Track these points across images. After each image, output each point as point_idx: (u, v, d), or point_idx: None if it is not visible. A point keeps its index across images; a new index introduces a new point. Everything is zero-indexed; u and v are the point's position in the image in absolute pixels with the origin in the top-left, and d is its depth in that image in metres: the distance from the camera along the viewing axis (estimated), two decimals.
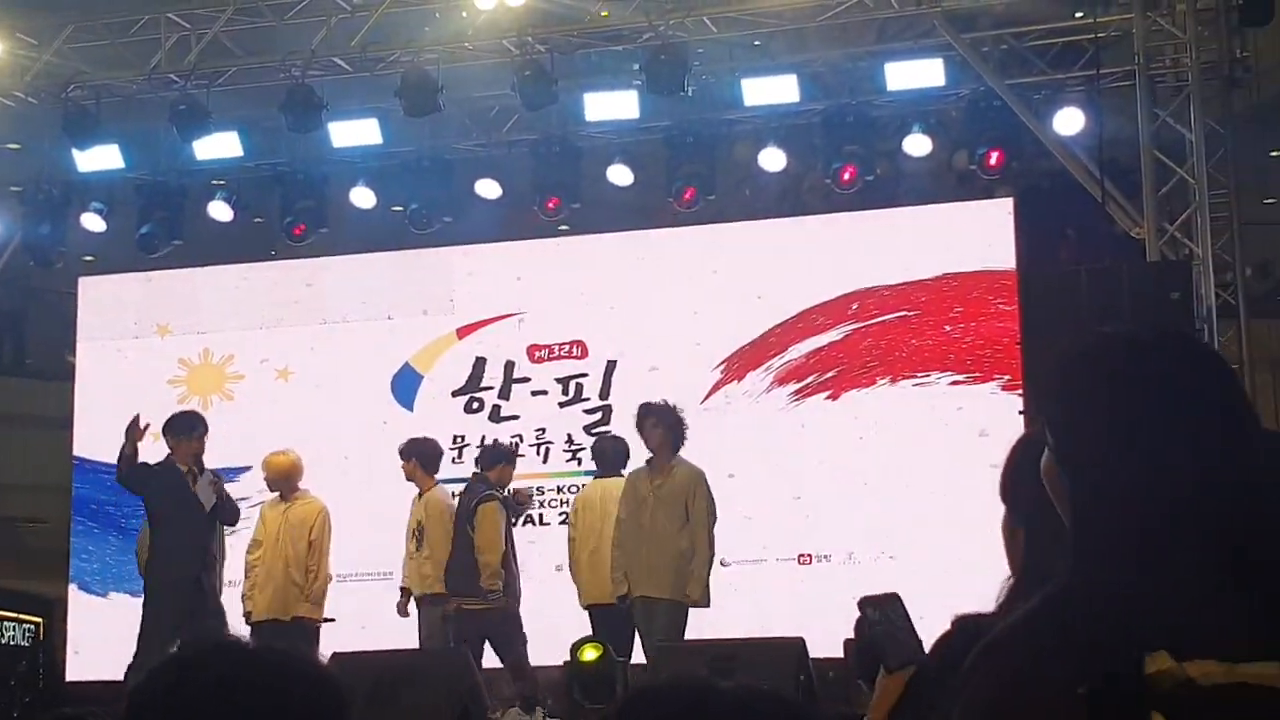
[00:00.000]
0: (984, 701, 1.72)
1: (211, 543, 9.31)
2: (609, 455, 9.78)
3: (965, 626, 2.37)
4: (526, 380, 11.89)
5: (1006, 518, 2.39)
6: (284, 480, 9.82)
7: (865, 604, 2.54)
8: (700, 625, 9.27)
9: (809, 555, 11.19)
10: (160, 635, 8.76)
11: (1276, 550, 1.71)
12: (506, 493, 9.55)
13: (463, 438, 11.62)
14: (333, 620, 9.74)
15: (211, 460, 11.98)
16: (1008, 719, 1.69)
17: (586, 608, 9.41)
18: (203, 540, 9.17)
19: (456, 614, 9.23)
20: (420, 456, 9.72)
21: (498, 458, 9.78)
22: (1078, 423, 1.80)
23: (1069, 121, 11.07)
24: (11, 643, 15.51)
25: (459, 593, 9.23)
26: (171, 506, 9.19)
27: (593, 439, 11.22)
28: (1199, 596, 1.68)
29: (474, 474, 9.80)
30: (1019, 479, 2.38)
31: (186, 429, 9.51)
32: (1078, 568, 1.75)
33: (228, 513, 9.50)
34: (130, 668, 8.61)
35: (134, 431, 9.34)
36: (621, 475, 9.48)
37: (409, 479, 9.72)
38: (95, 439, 12.50)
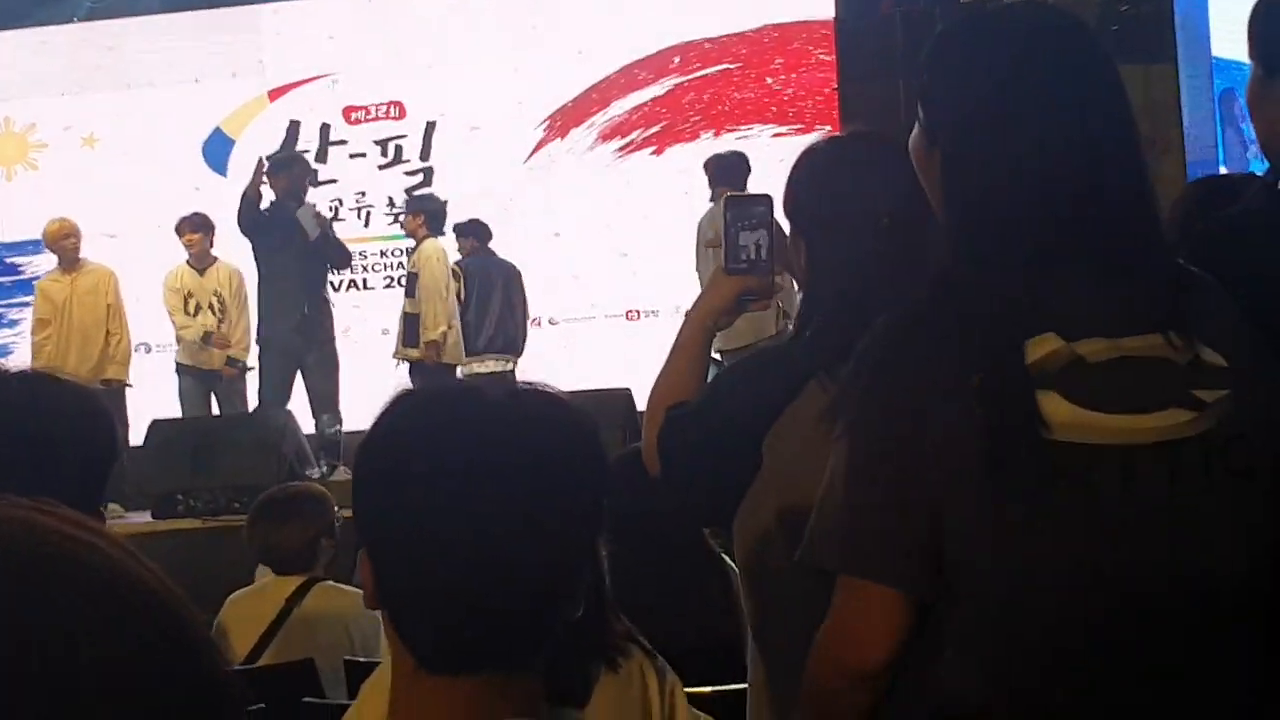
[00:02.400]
0: (877, 398, 1.73)
1: (322, 280, 9.28)
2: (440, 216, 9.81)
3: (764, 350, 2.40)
4: (344, 143, 11.62)
5: (791, 232, 2.37)
6: (64, 247, 9.56)
7: (729, 201, 2.39)
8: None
9: (636, 311, 11.26)
10: (274, 383, 8.90)
11: (1143, 225, 1.77)
12: None
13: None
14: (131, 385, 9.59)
15: (18, 232, 11.65)
16: (899, 413, 1.70)
17: None
18: (311, 271, 9.14)
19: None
20: None
21: None
22: (949, 99, 1.84)
23: None
24: None
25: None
26: (279, 244, 9.06)
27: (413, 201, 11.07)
28: (1080, 281, 1.72)
29: None
30: (801, 189, 2.37)
31: (286, 164, 9.53)
32: (958, 257, 1.77)
33: (334, 251, 9.36)
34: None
35: (258, 173, 9.26)
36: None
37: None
38: None
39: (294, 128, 11.69)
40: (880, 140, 2.42)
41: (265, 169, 9.29)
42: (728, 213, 2.36)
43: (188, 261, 9.71)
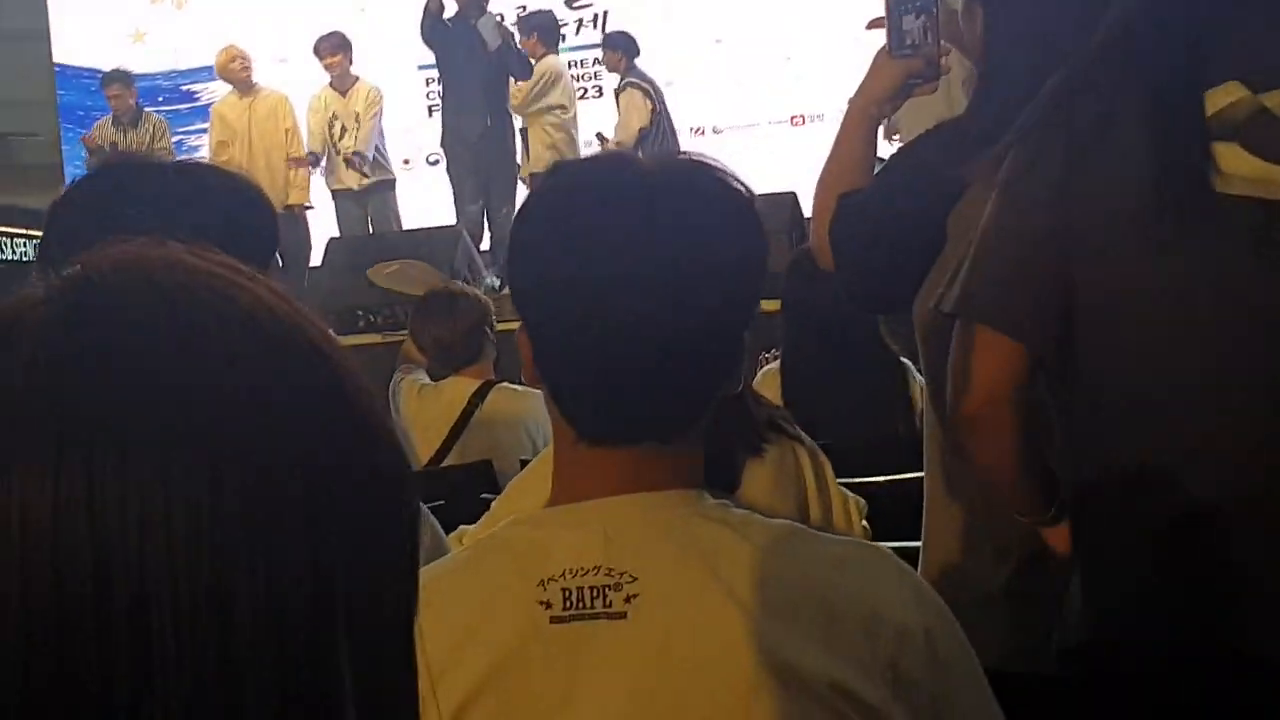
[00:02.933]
0: (1031, 155, 1.69)
1: (504, 90, 9.24)
2: None
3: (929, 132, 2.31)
4: None
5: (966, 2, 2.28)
6: (234, 71, 9.73)
7: None
8: None
9: (801, 116, 11.12)
10: (461, 190, 9.01)
11: None
12: None
13: None
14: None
15: (191, 60, 11.87)
16: (1051, 170, 1.66)
17: None
18: (493, 81, 9.15)
19: None
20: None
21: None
22: None
23: None
24: (24, 259, 15.77)
25: None
26: (461, 55, 9.13)
27: (574, 13, 11.02)
28: (1270, 33, 1.65)
29: None
30: None
31: None
32: (1141, 6, 1.70)
33: (515, 61, 9.30)
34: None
35: None
36: None
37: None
38: (74, 45, 12.31)
39: None
40: None
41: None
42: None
43: (330, 84, 9.77)
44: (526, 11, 10.36)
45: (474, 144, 9.02)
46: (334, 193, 9.82)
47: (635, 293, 1.28)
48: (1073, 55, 1.74)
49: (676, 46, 10.91)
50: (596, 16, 11.44)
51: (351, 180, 9.67)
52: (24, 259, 15.79)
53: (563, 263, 1.32)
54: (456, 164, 9.21)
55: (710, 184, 1.35)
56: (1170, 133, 1.61)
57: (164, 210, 1.67)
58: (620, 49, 9.49)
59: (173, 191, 1.70)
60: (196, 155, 10.63)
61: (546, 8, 10.76)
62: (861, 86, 2.28)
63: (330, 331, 0.73)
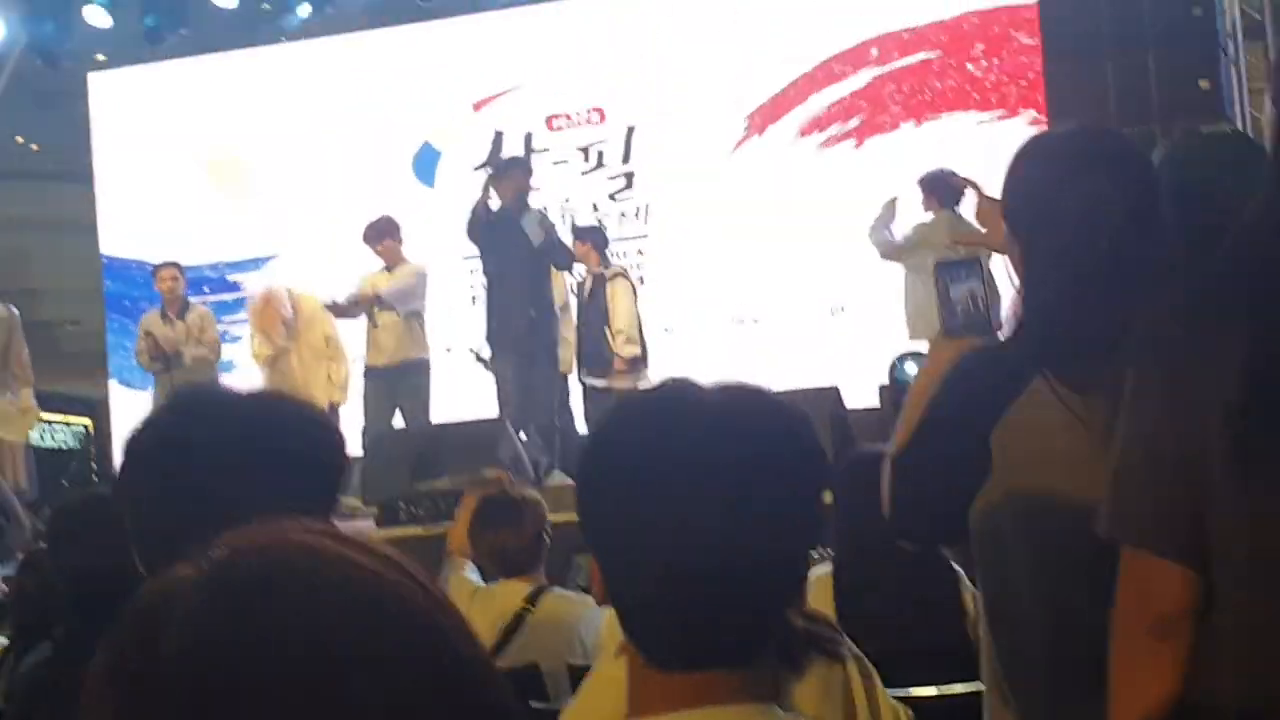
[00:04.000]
0: (1158, 375, 1.69)
1: (547, 284, 9.25)
2: None
3: (973, 355, 2.34)
4: (546, 150, 11.78)
5: (1008, 231, 2.34)
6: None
7: (939, 267, 2.38)
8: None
9: (840, 306, 11.18)
10: (505, 388, 8.98)
11: None
12: None
13: None
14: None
15: (234, 251, 12.07)
16: (1179, 390, 1.65)
17: None
18: (536, 276, 9.14)
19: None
20: None
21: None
22: None
23: None
24: (63, 446, 15.85)
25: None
26: (506, 251, 9.11)
27: (617, 205, 11.20)
28: None
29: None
30: (1021, 188, 2.33)
31: (506, 169, 9.53)
32: (1267, 226, 1.70)
33: (558, 254, 9.31)
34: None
35: (485, 188, 9.24)
36: None
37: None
38: (121, 237, 12.55)
39: (498, 138, 11.89)
40: (1103, 134, 2.36)
41: (488, 179, 9.38)
42: (938, 278, 2.36)
43: (384, 268, 9.83)
44: (575, 224, 10.48)
45: (519, 338, 9.01)
46: (366, 369, 9.77)
47: (700, 521, 1.33)
48: (1121, 302, 1.75)
49: (719, 238, 11.04)
50: (638, 209, 11.61)
51: (383, 356, 9.66)
52: (64, 446, 15.88)
53: (629, 492, 1.37)
54: (501, 357, 9.19)
55: (770, 415, 1.41)
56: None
57: (239, 434, 1.68)
58: (590, 241, 9.59)
59: (246, 417, 1.72)
60: (236, 344, 10.75)
61: (595, 216, 10.97)
62: (923, 370, 2.41)
63: (459, 613, 0.79)
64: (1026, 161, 2.33)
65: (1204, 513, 1.63)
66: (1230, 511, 1.62)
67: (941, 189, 9.21)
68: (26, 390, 9.46)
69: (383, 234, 9.76)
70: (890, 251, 9.50)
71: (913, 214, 9.47)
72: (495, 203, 9.19)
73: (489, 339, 9.28)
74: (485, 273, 9.43)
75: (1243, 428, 1.58)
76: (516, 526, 4.23)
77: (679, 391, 1.48)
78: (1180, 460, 1.64)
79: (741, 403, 1.41)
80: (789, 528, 1.37)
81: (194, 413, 1.73)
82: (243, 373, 10.85)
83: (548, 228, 9.23)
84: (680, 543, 1.33)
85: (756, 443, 1.37)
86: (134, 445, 1.72)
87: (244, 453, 1.66)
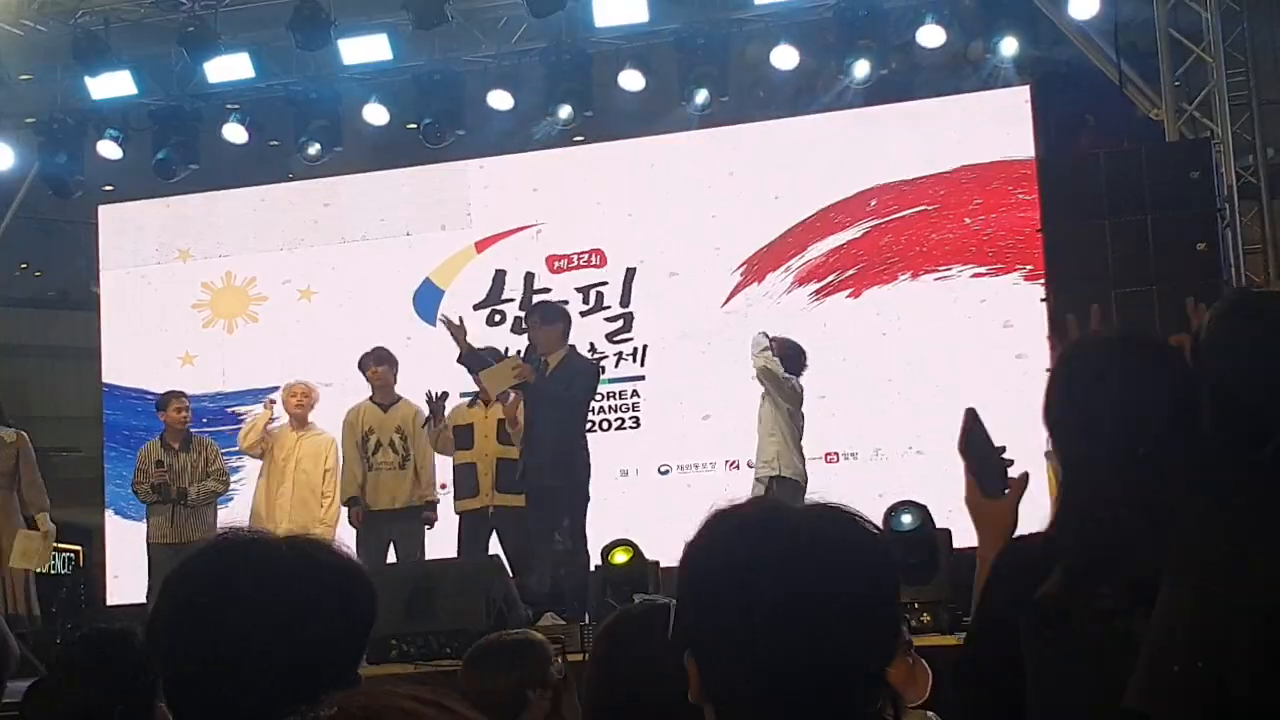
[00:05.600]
0: (1191, 561, 1.79)
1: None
2: None
3: (1015, 549, 2.41)
4: (547, 290, 11.90)
5: (1050, 439, 2.42)
6: (296, 409, 10.00)
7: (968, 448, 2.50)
8: None
9: (835, 454, 11.23)
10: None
11: None
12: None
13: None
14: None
15: (237, 382, 12.15)
16: (1209, 576, 1.75)
17: None
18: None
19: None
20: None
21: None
22: None
23: (1084, 6, 10.92)
24: (52, 571, 15.75)
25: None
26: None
27: (614, 346, 11.30)
28: None
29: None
30: (1059, 401, 2.39)
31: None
32: None
33: None
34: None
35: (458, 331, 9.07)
36: None
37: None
38: (123, 366, 12.63)
39: (499, 277, 12.04)
40: (1141, 347, 2.40)
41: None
42: (966, 453, 2.47)
43: (371, 398, 9.85)
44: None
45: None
46: (367, 513, 9.74)
47: (800, 625, 1.50)
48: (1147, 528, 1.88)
49: (713, 383, 11.11)
50: (636, 350, 11.71)
51: (385, 501, 9.68)
52: (50, 571, 15.76)
53: (735, 601, 1.52)
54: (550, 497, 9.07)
55: (851, 526, 1.58)
56: None
57: (277, 583, 1.71)
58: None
59: (285, 565, 1.74)
60: (237, 478, 10.77)
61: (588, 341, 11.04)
62: (981, 539, 2.49)
63: None
64: (1063, 370, 2.40)
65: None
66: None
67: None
68: (43, 516, 9.53)
69: (380, 361, 9.86)
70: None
71: None
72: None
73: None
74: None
75: None
76: (496, 673, 4.17)
77: (771, 504, 1.66)
78: (1205, 650, 1.71)
79: (827, 523, 1.58)
80: (871, 637, 1.54)
81: (235, 560, 1.75)
82: (240, 504, 10.86)
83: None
84: (781, 641, 1.49)
85: (841, 559, 1.54)
86: (172, 587, 1.75)
87: (283, 603, 1.69)
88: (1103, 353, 2.43)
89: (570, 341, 9.06)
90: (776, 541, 1.55)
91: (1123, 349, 2.42)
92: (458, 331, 9.00)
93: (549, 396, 8.66)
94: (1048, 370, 2.44)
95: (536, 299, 11.79)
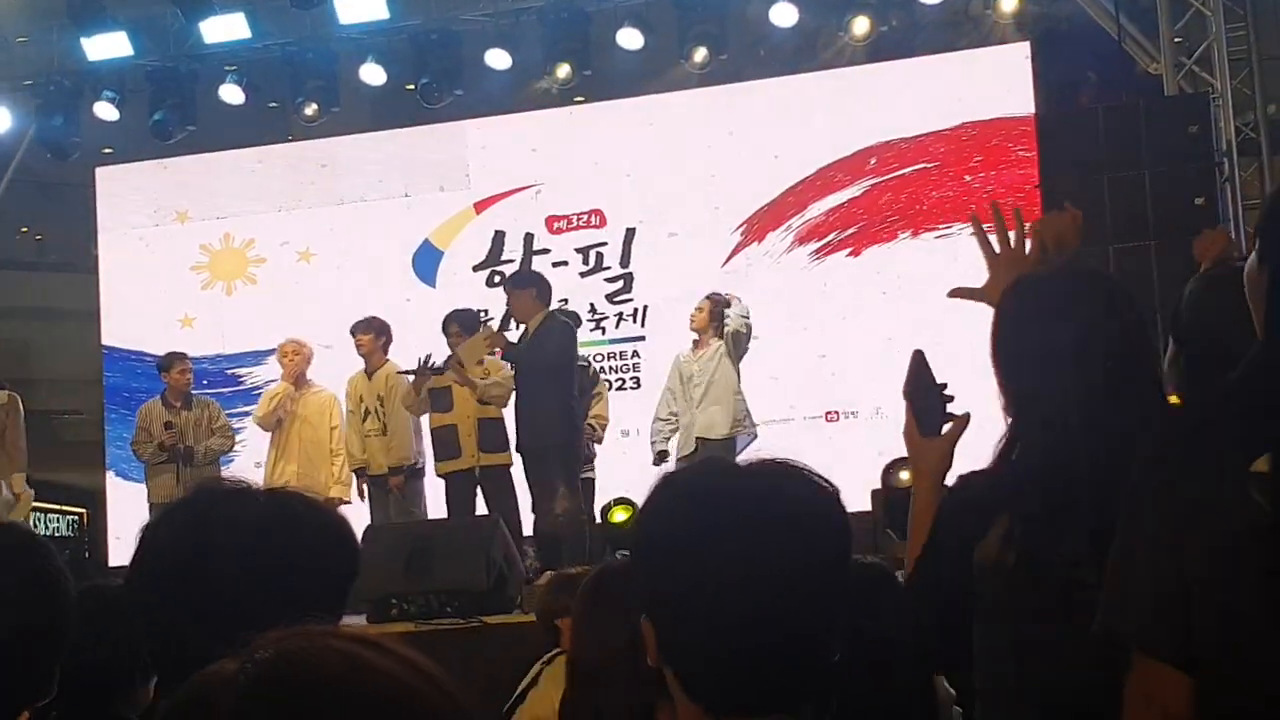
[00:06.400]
0: (1155, 484, 1.78)
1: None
2: None
3: (964, 485, 2.44)
4: (546, 251, 11.89)
5: (995, 368, 2.44)
6: (294, 366, 10.00)
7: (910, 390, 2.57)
8: None
9: (836, 412, 11.24)
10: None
11: None
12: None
13: (486, 311, 11.65)
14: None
15: (236, 344, 12.14)
16: (1175, 500, 1.74)
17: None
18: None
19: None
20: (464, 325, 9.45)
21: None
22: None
23: None
24: (56, 534, 15.81)
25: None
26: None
27: (615, 307, 11.30)
28: None
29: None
30: (1007, 329, 2.43)
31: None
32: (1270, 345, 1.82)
33: None
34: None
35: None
36: None
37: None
38: (123, 328, 12.62)
39: (499, 238, 12.01)
40: (1085, 275, 2.46)
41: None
42: (909, 395, 2.54)
43: (364, 368, 9.88)
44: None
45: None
46: (359, 473, 9.83)
47: (747, 582, 1.50)
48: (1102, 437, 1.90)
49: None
50: (636, 311, 11.70)
51: (375, 468, 9.73)
52: (55, 534, 15.83)
53: (682, 559, 1.53)
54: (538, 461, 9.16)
55: (804, 485, 1.57)
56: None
57: (255, 535, 1.71)
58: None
59: (264, 517, 1.74)
60: (240, 438, 10.77)
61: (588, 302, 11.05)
62: (915, 475, 2.57)
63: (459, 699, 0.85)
64: (1011, 300, 2.42)
65: (1185, 608, 1.71)
66: (1245, 612, 1.68)
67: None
68: (19, 476, 9.41)
69: (366, 329, 9.82)
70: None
71: None
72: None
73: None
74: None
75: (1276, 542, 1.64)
76: None
77: (722, 467, 1.63)
78: (1176, 572, 1.71)
79: (779, 479, 1.57)
80: (823, 584, 1.54)
81: (214, 511, 1.75)
82: (243, 463, 10.88)
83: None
84: (728, 600, 1.50)
85: (792, 512, 1.54)
86: (151, 538, 1.75)
87: (261, 555, 1.69)
88: (1054, 285, 2.45)
89: (553, 304, 9.08)
90: (725, 505, 1.54)
91: (1074, 282, 2.45)
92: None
93: (526, 362, 8.75)
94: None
95: (536, 260, 11.79)
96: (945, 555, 2.36)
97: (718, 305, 9.63)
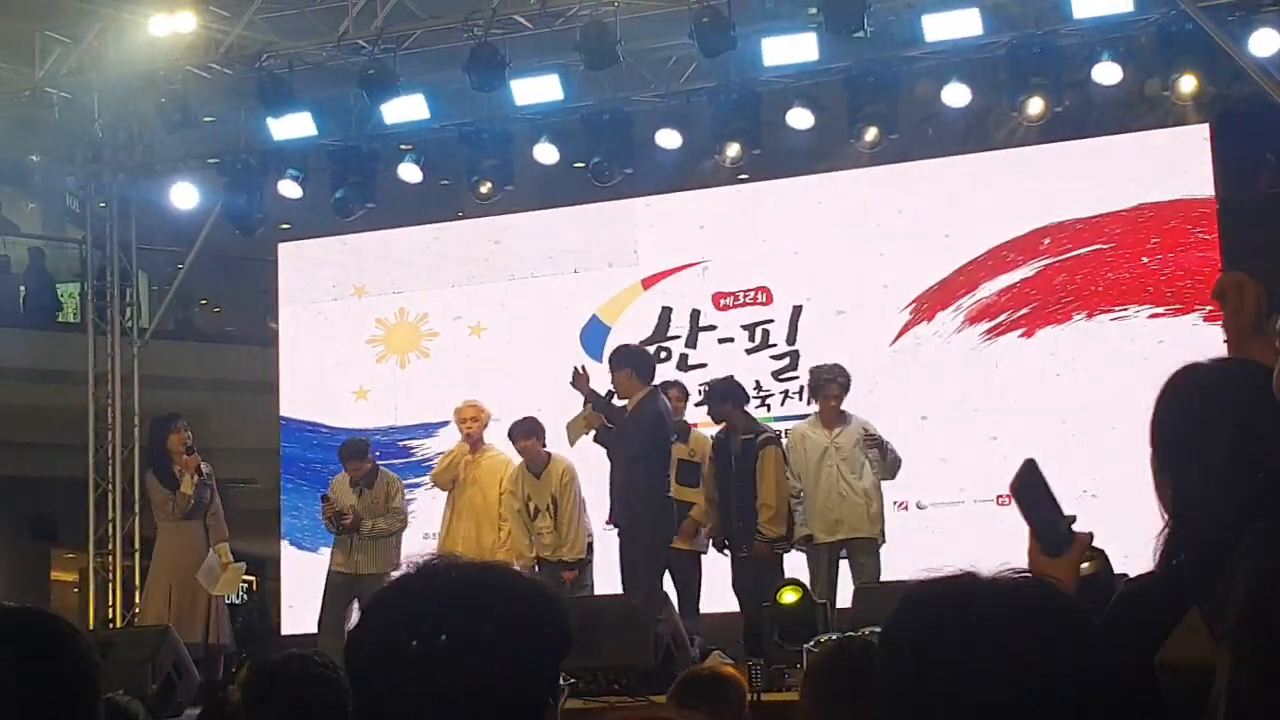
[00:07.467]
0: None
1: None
2: None
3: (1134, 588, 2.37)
4: (713, 328, 11.93)
5: (1153, 464, 2.37)
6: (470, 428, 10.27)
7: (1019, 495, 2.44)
8: (900, 568, 9.23)
9: (1007, 496, 11.01)
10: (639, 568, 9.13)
11: None
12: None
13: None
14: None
15: (409, 416, 12.37)
16: None
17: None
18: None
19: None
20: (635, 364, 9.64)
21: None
22: None
23: (1265, 42, 10.64)
24: (227, 600, 16.15)
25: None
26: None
27: (780, 384, 11.29)
28: None
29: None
30: (1165, 423, 2.37)
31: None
32: None
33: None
34: None
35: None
36: None
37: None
38: (300, 400, 12.93)
39: (665, 314, 12.09)
40: (1259, 374, 2.35)
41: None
42: (1020, 504, 2.39)
43: (524, 465, 10.08)
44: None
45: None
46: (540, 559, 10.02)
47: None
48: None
49: (879, 422, 10.99)
50: (802, 389, 11.66)
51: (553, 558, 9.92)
52: (227, 599, 16.18)
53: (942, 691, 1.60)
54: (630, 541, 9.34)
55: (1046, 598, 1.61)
56: None
57: (466, 607, 1.74)
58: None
59: (475, 590, 1.78)
60: (410, 510, 10.95)
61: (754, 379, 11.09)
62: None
63: None
64: (1169, 395, 2.37)
65: None
66: None
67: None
68: (224, 546, 9.91)
69: (528, 433, 10.03)
70: None
71: None
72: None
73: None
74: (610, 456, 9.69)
75: None
76: (697, 706, 4.22)
77: (961, 581, 1.63)
78: None
79: (1022, 591, 1.60)
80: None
81: (426, 579, 1.79)
82: (412, 534, 11.03)
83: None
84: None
85: (1040, 637, 1.56)
86: (372, 611, 1.79)
87: (469, 615, 1.73)
88: (1221, 375, 2.39)
89: (655, 383, 9.52)
90: (982, 620, 1.59)
91: (1240, 374, 2.37)
92: (580, 380, 9.39)
93: (618, 443, 8.99)
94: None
95: (701, 336, 11.84)
96: (1125, 655, 2.26)
97: None
